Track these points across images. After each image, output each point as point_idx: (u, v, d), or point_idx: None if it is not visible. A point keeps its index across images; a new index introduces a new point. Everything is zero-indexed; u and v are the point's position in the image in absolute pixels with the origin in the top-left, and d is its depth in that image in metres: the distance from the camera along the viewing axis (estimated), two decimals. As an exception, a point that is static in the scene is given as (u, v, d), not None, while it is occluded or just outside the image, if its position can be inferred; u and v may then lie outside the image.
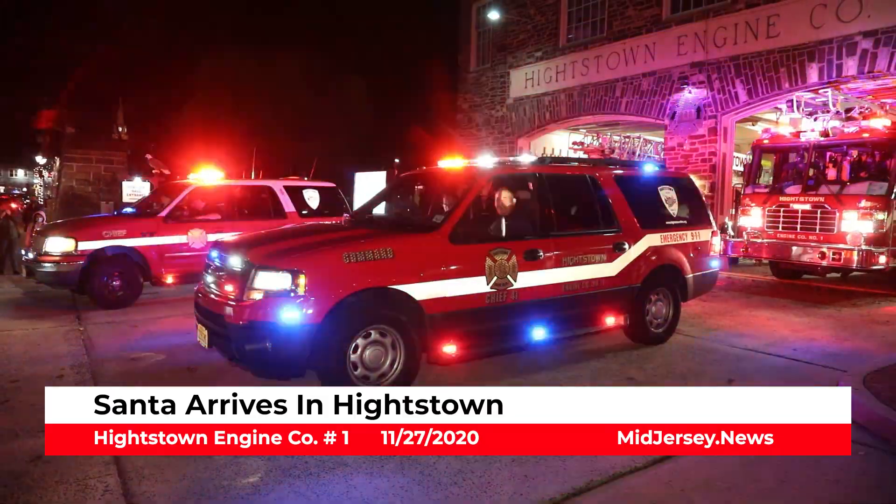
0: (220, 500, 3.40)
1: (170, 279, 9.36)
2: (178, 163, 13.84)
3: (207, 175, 10.30)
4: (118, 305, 8.78)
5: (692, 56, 14.17)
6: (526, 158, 6.43)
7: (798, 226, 9.96)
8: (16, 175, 68.66)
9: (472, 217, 5.44)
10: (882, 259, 9.26)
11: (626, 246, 6.39)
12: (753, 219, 10.52)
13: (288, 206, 10.56)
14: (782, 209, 10.17)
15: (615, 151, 16.14)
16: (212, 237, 9.38)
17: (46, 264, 8.67)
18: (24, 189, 55.46)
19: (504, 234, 5.41)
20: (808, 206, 9.80)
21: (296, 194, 10.80)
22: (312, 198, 11.00)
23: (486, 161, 6.44)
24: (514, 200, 5.67)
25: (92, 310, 8.67)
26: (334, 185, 11.70)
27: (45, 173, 53.43)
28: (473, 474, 3.68)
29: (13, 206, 25.17)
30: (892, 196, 9.32)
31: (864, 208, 9.26)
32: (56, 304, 9.19)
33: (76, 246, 8.68)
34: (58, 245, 8.71)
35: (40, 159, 52.99)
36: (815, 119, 10.04)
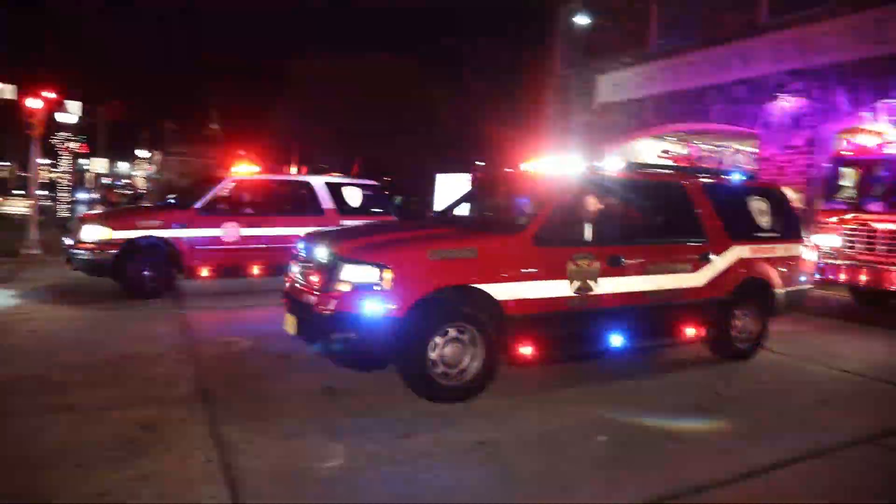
0: (311, 480, 3.57)
1: (202, 272, 9.25)
2: (270, 159, 14.42)
3: (245, 168, 10.16)
4: (149, 296, 8.78)
5: (790, 63, 13.59)
6: (612, 164, 6.37)
7: (881, 247, 9.05)
8: (118, 167, 73.00)
9: (556, 221, 5.41)
10: None
11: (713, 257, 6.24)
12: (830, 237, 9.74)
13: (326, 203, 10.40)
14: (863, 228, 9.34)
15: (703, 161, 15.67)
16: (245, 231, 9.46)
17: (82, 251, 8.76)
18: (127, 181, 58.94)
19: (588, 239, 5.39)
20: (892, 226, 9.04)
21: (337, 191, 10.60)
22: (355, 196, 10.79)
23: (572, 166, 6.42)
24: (599, 206, 5.65)
25: (189, 294, 9.18)
26: (378, 183, 11.48)
27: (146, 166, 56.85)
28: (555, 474, 3.72)
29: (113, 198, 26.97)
30: None
31: None
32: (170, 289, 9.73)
33: (111, 235, 8.73)
34: (93, 233, 8.78)
35: (141, 153, 56.40)
36: None
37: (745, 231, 6.64)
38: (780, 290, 6.82)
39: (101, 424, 4.21)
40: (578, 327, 5.46)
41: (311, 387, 5.15)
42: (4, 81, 21.88)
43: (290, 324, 5.32)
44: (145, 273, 8.84)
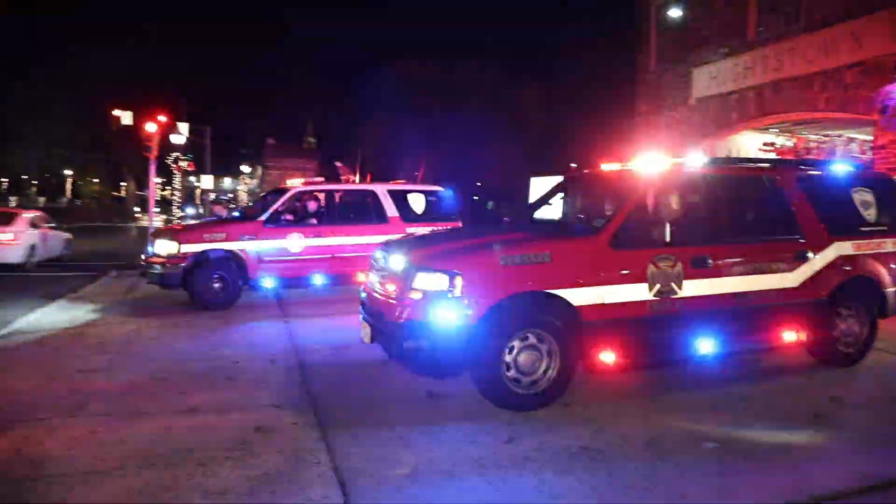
0: (417, 483, 3.65)
1: (268, 283, 9.39)
2: (366, 166, 14.81)
3: (310, 179, 10.20)
4: (217, 307, 8.97)
5: (912, 41, 12.56)
6: (695, 160, 6.07)
7: None
8: (223, 182, 77.14)
9: (634, 221, 5.21)
10: None
11: (810, 255, 5.82)
12: None
13: (391, 210, 10.30)
14: None
15: (812, 152, 14.74)
16: (310, 242, 9.54)
17: (154, 266, 9.08)
18: (231, 195, 62.32)
19: (669, 239, 5.14)
20: None
21: (401, 199, 10.52)
22: (419, 202, 10.66)
23: (652, 163, 6.18)
24: (680, 204, 5.42)
25: (292, 304, 9.57)
26: (442, 188, 11.33)
27: (248, 181, 59.95)
28: (665, 481, 3.62)
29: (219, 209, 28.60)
30: None
31: None
32: (262, 299, 10.23)
33: (179, 248, 8.96)
34: (163, 248, 9.08)
35: (245, 168, 59.46)
36: None
37: (848, 226, 6.18)
38: (891, 289, 6.28)
39: (219, 426, 4.48)
40: (661, 332, 5.22)
41: (413, 392, 5.25)
42: (121, 108, 23.65)
43: (365, 332, 5.38)
44: (214, 285, 9.05)
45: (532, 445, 4.13)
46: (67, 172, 63.66)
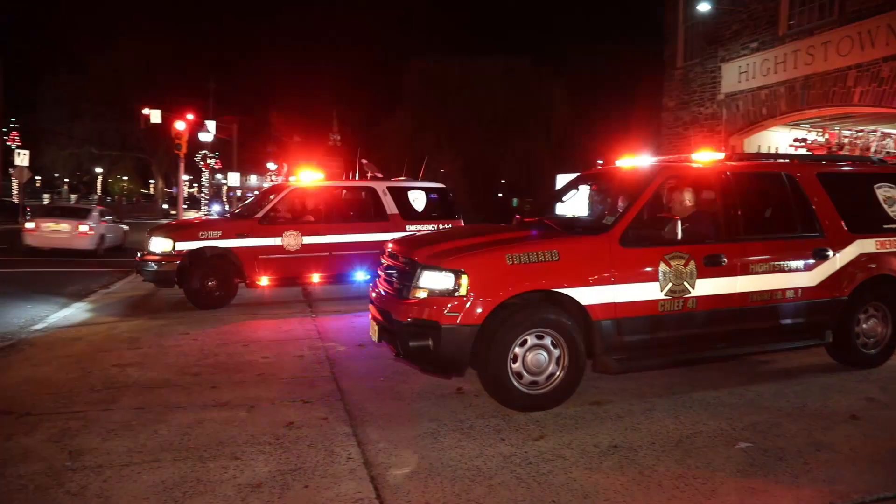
0: (448, 479, 3.64)
1: (264, 281, 9.25)
2: (392, 165, 14.81)
3: (307, 176, 10.07)
4: (213, 306, 8.91)
5: (951, 33, 12.24)
6: (709, 156, 5.95)
7: None
8: (249, 180, 77.78)
9: (645, 218, 5.12)
10: None
11: (830, 253, 5.67)
12: None
13: (391, 208, 10.09)
14: None
15: (845, 147, 14.40)
16: (307, 240, 9.35)
17: (149, 263, 9.02)
18: (256, 192, 63.06)
19: (681, 237, 5.06)
20: None
21: (401, 196, 10.31)
22: (420, 200, 10.46)
23: (666, 158, 6.05)
24: (693, 201, 5.35)
25: (319, 300, 9.63)
26: (444, 186, 11.13)
27: (275, 178, 60.60)
28: (696, 480, 3.58)
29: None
30: None
31: None
32: (288, 296, 10.33)
33: (174, 246, 8.88)
34: (158, 245, 9.00)
35: (271, 165, 60.14)
36: None
37: (871, 223, 6.02)
38: None
39: (250, 420, 4.53)
40: (674, 332, 5.12)
41: (442, 388, 5.27)
42: (150, 107, 24.07)
43: (374, 330, 5.38)
44: (209, 283, 8.98)
45: (561, 442, 4.12)
46: (98, 170, 64.84)
